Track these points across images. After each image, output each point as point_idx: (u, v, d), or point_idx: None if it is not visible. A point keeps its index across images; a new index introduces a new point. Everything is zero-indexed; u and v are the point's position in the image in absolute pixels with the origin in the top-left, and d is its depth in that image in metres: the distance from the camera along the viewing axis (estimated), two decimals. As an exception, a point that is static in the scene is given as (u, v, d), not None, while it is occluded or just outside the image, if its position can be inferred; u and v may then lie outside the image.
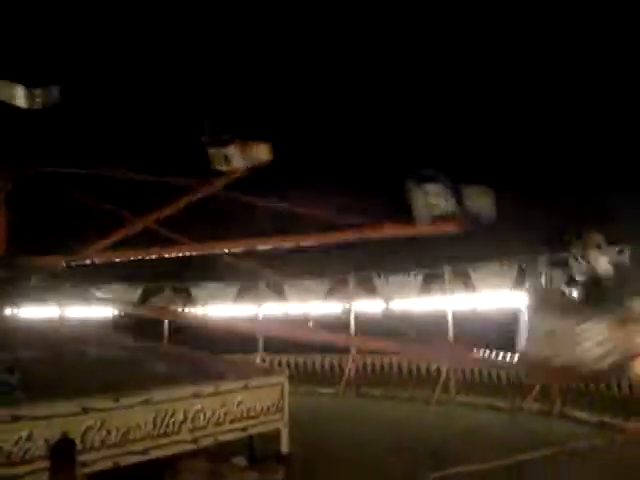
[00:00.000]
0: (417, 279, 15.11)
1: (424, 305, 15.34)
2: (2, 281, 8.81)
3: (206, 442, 7.53)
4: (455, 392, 14.24)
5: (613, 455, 9.13)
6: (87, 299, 16.54)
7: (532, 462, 8.55)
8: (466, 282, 14.44)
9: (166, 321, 17.43)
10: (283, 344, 17.85)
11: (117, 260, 9.30)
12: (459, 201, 6.50)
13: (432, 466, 8.21)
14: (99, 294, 16.86)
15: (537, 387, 12.64)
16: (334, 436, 10.32)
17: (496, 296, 13.75)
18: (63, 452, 6.06)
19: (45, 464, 5.84)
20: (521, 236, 13.23)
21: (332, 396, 15.49)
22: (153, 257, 9.11)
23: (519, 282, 13.19)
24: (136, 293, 17.25)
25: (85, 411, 6.31)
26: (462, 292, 14.57)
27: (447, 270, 14.71)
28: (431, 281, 15.16)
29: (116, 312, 16.82)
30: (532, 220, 12.25)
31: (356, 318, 16.19)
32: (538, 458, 8.71)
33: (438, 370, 14.61)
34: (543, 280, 12.00)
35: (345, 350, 16.02)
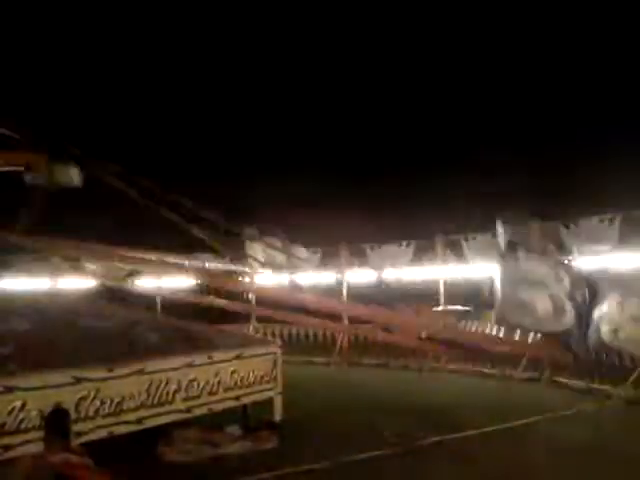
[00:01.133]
0: (409, 249, 15.12)
1: (416, 275, 15.41)
2: None
3: (200, 411, 7.60)
4: (447, 360, 14.37)
5: (601, 420, 9.29)
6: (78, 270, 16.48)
7: (523, 427, 8.71)
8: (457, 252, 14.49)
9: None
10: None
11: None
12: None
13: (426, 430, 8.34)
14: (89, 265, 16.78)
15: (526, 355, 12.76)
16: (327, 404, 10.42)
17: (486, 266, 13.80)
18: (57, 422, 6.09)
19: (39, 434, 5.87)
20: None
21: (325, 365, 15.62)
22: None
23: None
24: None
25: (78, 381, 6.33)
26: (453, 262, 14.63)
27: (439, 240, 14.74)
28: (423, 251, 15.17)
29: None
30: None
31: (348, 288, 16.25)
32: (528, 423, 8.87)
33: (430, 338, 14.70)
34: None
35: (338, 320, 16.10)
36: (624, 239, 11.24)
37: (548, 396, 11.24)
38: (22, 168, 8.77)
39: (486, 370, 13.51)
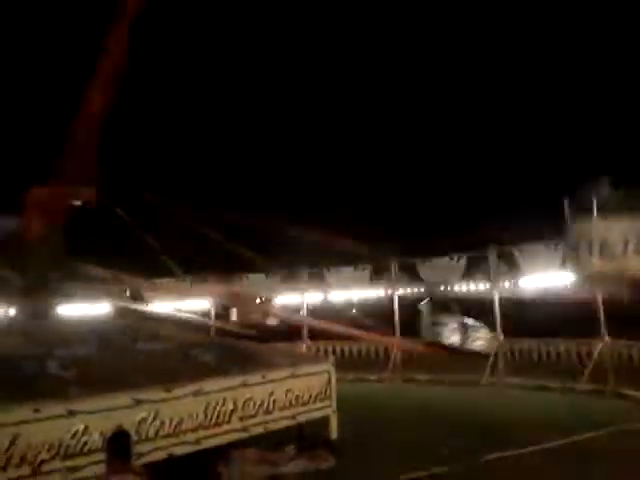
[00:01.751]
0: (460, 263, 14.89)
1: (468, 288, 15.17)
2: (56, 281, 9.18)
3: (256, 430, 7.62)
4: (504, 374, 14.04)
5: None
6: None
7: (587, 441, 8.42)
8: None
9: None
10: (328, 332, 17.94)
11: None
12: None
13: (485, 447, 8.14)
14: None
15: (589, 366, 12.38)
16: (382, 421, 10.29)
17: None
18: (119, 444, 6.20)
19: (102, 456, 5.99)
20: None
21: (378, 382, 15.47)
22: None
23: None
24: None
25: (138, 403, 6.44)
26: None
27: (491, 253, 14.47)
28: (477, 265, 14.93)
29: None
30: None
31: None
32: (593, 437, 8.56)
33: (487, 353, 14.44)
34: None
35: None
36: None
37: (613, 408, 10.82)
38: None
39: (546, 383, 13.11)
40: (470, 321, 13.13)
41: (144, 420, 6.46)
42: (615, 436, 8.72)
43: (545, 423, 9.80)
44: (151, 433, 6.49)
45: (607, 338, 12.28)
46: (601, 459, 7.68)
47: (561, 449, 8.14)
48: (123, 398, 6.38)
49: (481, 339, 11.49)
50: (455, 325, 13.47)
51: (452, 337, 12.24)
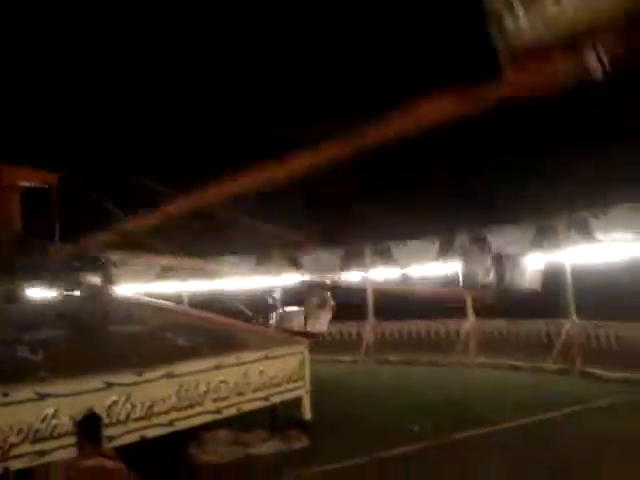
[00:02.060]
0: (435, 245, 14.96)
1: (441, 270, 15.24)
2: (22, 261, 9.00)
3: (229, 412, 7.62)
4: (475, 353, 14.25)
5: (635, 410, 9.12)
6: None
7: (555, 419, 8.60)
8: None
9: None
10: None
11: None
12: None
13: (456, 426, 8.28)
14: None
15: (557, 346, 12.61)
16: (355, 401, 10.41)
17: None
18: (89, 427, 6.15)
19: (72, 440, 5.94)
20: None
21: (352, 363, 15.59)
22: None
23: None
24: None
25: (109, 386, 6.39)
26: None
27: (461, 235, 14.57)
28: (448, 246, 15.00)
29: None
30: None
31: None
32: (561, 415, 8.75)
33: (457, 333, 14.62)
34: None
35: (363, 318, 16.09)
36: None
37: (580, 387, 11.07)
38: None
39: (516, 362, 13.34)
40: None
41: (115, 403, 6.41)
42: (580, 414, 8.93)
43: (514, 402, 9.98)
44: (122, 416, 6.45)
45: (575, 318, 12.51)
46: (567, 436, 7.86)
47: (529, 427, 8.30)
48: (94, 381, 6.32)
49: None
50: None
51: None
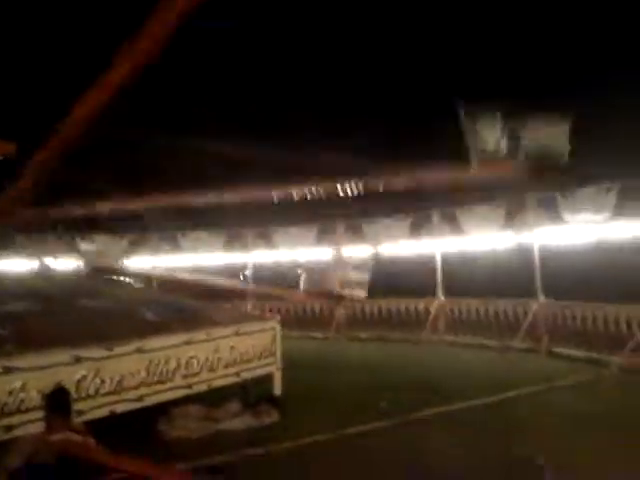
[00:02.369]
0: (406, 223, 15.06)
1: (413, 249, 15.38)
2: None
3: (200, 388, 7.62)
4: (444, 332, 14.46)
5: (599, 388, 9.38)
6: (73, 250, 16.46)
7: (522, 397, 8.79)
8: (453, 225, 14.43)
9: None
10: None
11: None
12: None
13: (424, 403, 8.41)
14: (84, 245, 16.75)
15: (524, 326, 12.85)
16: (325, 378, 10.48)
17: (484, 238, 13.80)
18: (58, 401, 6.08)
19: (40, 414, 5.88)
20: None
21: (323, 340, 15.69)
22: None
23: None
24: (121, 244, 17.11)
25: (78, 360, 6.32)
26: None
27: (435, 214, 14.68)
28: (420, 224, 15.11)
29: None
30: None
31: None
32: (527, 393, 8.95)
33: (427, 311, 14.79)
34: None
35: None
36: (620, 209, 11.22)
37: (546, 366, 11.32)
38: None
39: (484, 341, 13.57)
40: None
41: (84, 378, 6.35)
42: (545, 392, 9.14)
43: (481, 380, 10.17)
44: (92, 391, 6.40)
45: (542, 299, 12.74)
46: (531, 413, 8.05)
47: (495, 404, 8.47)
48: (63, 355, 6.25)
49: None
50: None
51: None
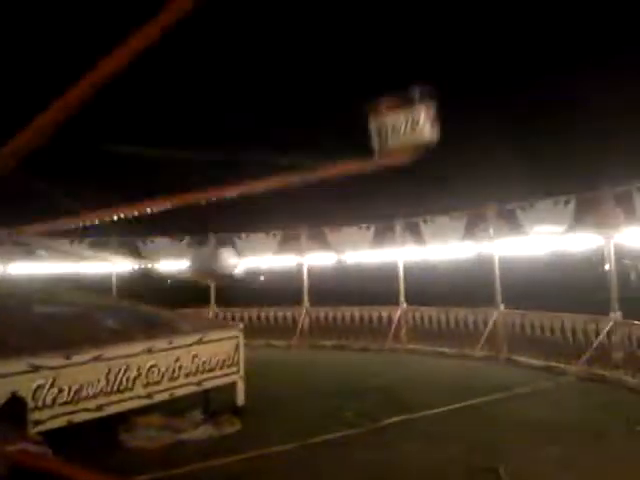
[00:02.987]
0: (370, 231, 15.15)
1: (376, 257, 15.47)
2: None
3: (161, 397, 7.51)
4: (406, 340, 14.55)
5: (555, 396, 9.56)
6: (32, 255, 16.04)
7: (481, 405, 8.90)
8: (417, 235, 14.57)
9: (114, 273, 17.16)
10: (235, 296, 17.89)
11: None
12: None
13: (387, 411, 8.44)
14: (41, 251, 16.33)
15: (485, 334, 13.03)
16: (288, 387, 10.43)
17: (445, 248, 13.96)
18: (13, 411, 5.92)
19: (-5, 424, 5.69)
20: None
21: (286, 348, 15.63)
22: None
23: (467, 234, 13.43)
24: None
25: (35, 369, 6.16)
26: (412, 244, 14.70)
27: (399, 223, 14.80)
28: (383, 233, 15.21)
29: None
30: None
31: (309, 271, 16.25)
32: (487, 401, 9.06)
33: (390, 319, 14.88)
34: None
35: (298, 303, 16.14)
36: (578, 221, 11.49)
37: (505, 374, 11.48)
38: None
39: (445, 349, 13.71)
40: None
41: (41, 387, 6.19)
42: (503, 400, 9.27)
43: (441, 388, 10.28)
44: (49, 400, 6.24)
45: (502, 307, 12.95)
46: (489, 421, 8.15)
47: (454, 412, 8.55)
48: (18, 364, 6.07)
49: None
50: None
51: None
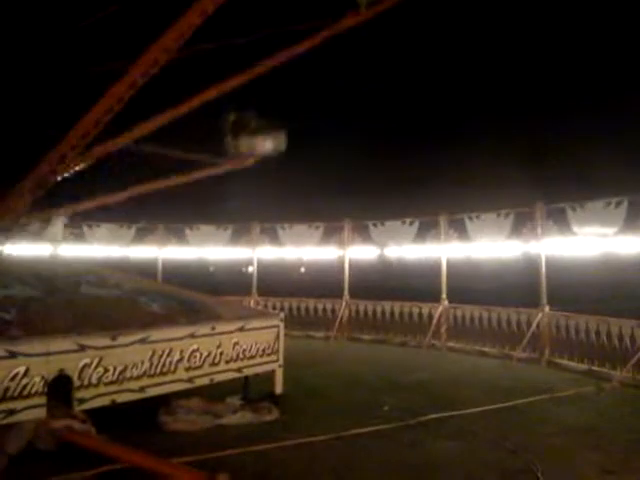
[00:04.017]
0: (413, 226, 15.04)
1: (418, 252, 15.35)
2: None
3: (201, 382, 7.62)
4: (446, 338, 14.43)
5: (598, 402, 9.34)
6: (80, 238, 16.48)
7: (522, 406, 8.77)
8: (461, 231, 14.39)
9: (160, 261, 17.51)
10: (277, 287, 18.05)
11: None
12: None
13: (425, 407, 8.39)
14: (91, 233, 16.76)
15: (528, 335, 12.80)
16: (327, 378, 10.48)
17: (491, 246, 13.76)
18: (60, 389, 6.10)
19: (43, 400, 5.89)
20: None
21: (325, 339, 15.69)
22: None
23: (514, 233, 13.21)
24: (129, 233, 17.14)
25: (82, 348, 6.33)
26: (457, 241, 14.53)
27: (442, 219, 14.65)
28: (426, 229, 15.08)
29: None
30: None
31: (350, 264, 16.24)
32: (527, 403, 8.92)
33: (430, 316, 14.76)
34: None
35: (339, 295, 16.16)
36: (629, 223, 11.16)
37: (547, 377, 11.27)
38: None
39: (486, 349, 13.54)
40: None
41: (87, 366, 6.36)
42: (543, 402, 9.11)
43: (481, 387, 10.14)
44: (94, 379, 6.41)
45: (547, 309, 12.70)
46: (531, 423, 8.02)
47: (493, 412, 8.44)
48: (67, 342, 6.26)
49: None
50: None
51: None
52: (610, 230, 11.33)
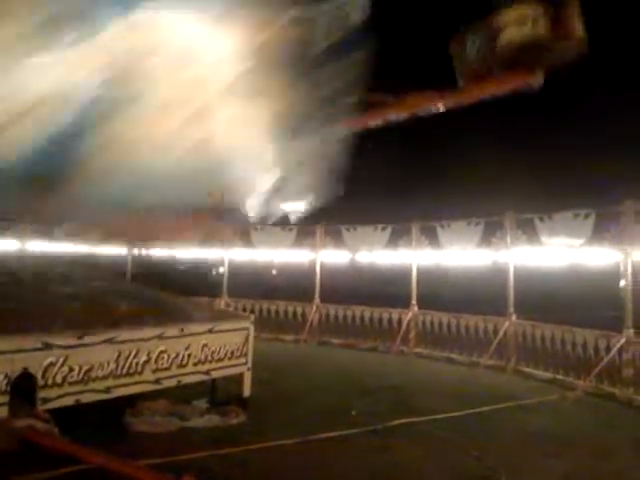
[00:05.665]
0: (385, 232, 15.14)
1: (390, 258, 15.44)
2: None
3: (169, 383, 7.55)
4: (414, 344, 14.52)
5: (561, 410, 9.50)
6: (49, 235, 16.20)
7: (486, 413, 8.87)
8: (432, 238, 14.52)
9: (129, 257, 17.33)
10: (247, 289, 17.97)
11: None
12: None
13: (392, 413, 8.44)
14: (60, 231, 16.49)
15: (494, 343, 12.96)
16: (295, 381, 10.47)
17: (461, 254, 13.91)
18: (23, 387, 5.99)
19: (5, 399, 5.78)
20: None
21: (295, 343, 15.66)
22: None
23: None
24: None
25: (47, 347, 6.23)
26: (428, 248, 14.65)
27: (414, 226, 14.76)
28: (398, 236, 15.18)
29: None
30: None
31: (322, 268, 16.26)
32: (492, 410, 9.03)
33: (400, 322, 14.84)
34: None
35: (309, 298, 16.15)
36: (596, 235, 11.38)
37: (512, 384, 11.43)
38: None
39: (453, 355, 13.67)
40: None
41: (52, 365, 6.26)
42: (512, 410, 9.23)
43: (447, 394, 10.24)
44: (59, 379, 6.30)
45: (514, 317, 12.87)
46: (491, 430, 8.12)
47: (457, 419, 8.52)
48: (31, 340, 6.15)
49: None
50: None
51: None
52: (577, 241, 11.55)
